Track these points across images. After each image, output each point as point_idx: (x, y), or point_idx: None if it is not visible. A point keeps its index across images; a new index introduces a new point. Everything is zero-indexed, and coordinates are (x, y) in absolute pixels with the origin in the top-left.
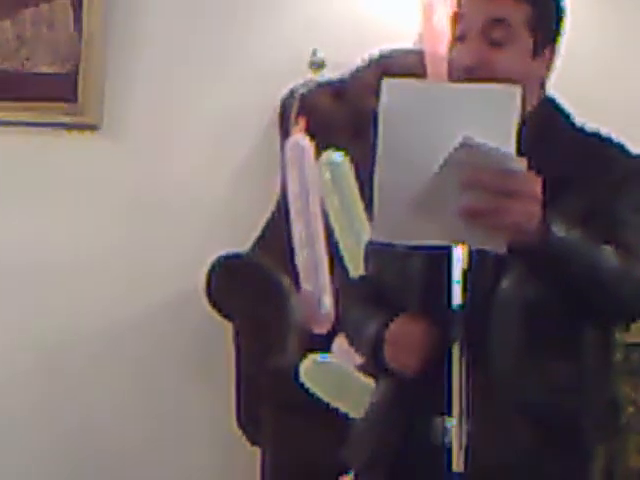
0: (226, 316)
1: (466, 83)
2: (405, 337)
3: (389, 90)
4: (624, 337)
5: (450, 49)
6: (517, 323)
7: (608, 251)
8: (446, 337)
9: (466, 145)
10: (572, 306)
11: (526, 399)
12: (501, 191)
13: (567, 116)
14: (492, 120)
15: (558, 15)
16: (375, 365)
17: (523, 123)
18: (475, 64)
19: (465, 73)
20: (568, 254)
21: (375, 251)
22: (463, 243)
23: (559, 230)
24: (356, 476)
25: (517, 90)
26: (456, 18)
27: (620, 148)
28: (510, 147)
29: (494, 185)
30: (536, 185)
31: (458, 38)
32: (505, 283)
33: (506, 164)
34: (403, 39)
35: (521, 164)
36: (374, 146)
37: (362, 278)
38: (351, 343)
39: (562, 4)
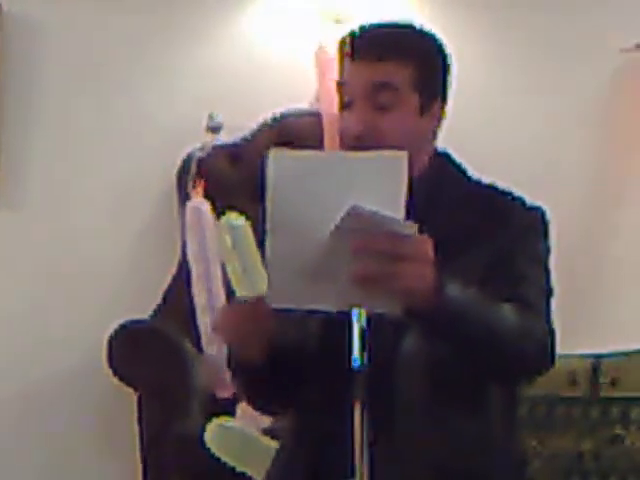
0: (129, 384)
1: (356, 151)
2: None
3: (276, 161)
4: (528, 390)
5: (340, 117)
6: (420, 383)
7: (506, 309)
8: (348, 398)
9: (355, 211)
10: (473, 365)
11: (432, 462)
12: (392, 255)
13: (461, 170)
14: (380, 187)
15: (444, 70)
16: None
17: (417, 181)
18: (362, 132)
19: (354, 141)
20: (463, 314)
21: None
22: (358, 307)
23: (455, 290)
24: None
25: (403, 155)
26: (340, 86)
27: (517, 200)
28: (399, 212)
29: (384, 250)
30: (427, 247)
31: (345, 105)
32: (407, 341)
33: (395, 229)
34: (300, 100)
35: (411, 228)
36: (264, 213)
37: None
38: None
39: (447, 58)
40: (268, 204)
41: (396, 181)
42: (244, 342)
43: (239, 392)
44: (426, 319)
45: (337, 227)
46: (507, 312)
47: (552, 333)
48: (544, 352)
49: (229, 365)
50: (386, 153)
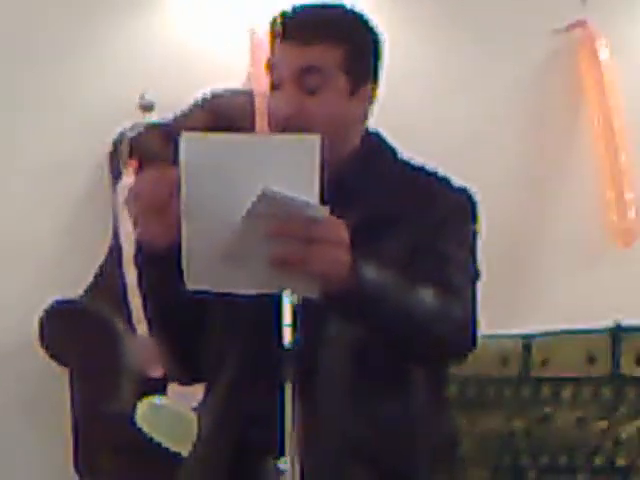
0: (60, 361)
1: (284, 133)
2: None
3: (187, 145)
4: (459, 370)
5: (269, 98)
6: (343, 363)
7: (424, 292)
8: (277, 377)
9: (266, 196)
10: (391, 348)
11: (357, 439)
12: (304, 239)
13: (392, 151)
14: (293, 170)
15: (375, 51)
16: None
17: (347, 162)
18: (290, 114)
19: (283, 123)
20: (379, 298)
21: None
22: (276, 290)
23: (371, 273)
24: None
25: (315, 139)
26: (270, 66)
27: (445, 182)
28: (312, 196)
29: (297, 234)
30: (340, 230)
31: (274, 87)
32: (332, 322)
33: (307, 212)
34: (232, 79)
35: (323, 211)
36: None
37: None
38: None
39: (378, 39)
40: (182, 185)
41: (309, 164)
42: (151, 214)
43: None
44: (342, 302)
45: (249, 211)
46: (425, 295)
47: (474, 316)
48: (463, 335)
49: (139, 267)
50: (299, 136)
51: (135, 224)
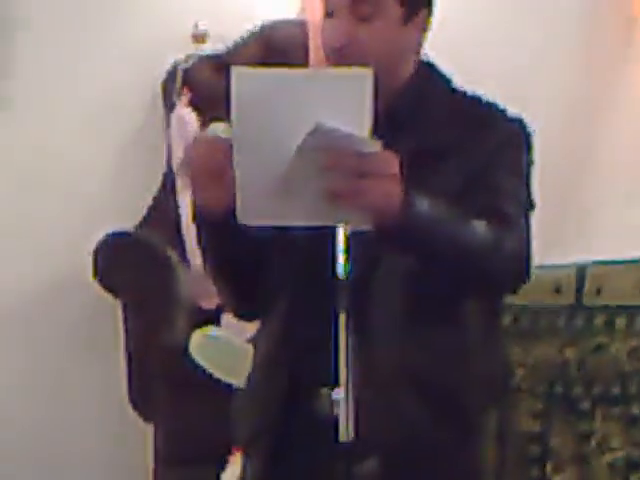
0: (114, 293)
1: (338, 62)
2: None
3: (238, 79)
4: (513, 299)
5: (322, 27)
6: (397, 293)
7: (477, 224)
8: (332, 306)
9: (319, 130)
10: (445, 280)
11: (409, 368)
12: (356, 173)
13: (446, 80)
14: (345, 104)
15: None
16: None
17: (401, 92)
18: (344, 43)
19: (336, 53)
20: (432, 230)
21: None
22: (328, 223)
23: (423, 205)
24: (244, 450)
25: (368, 73)
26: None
27: (498, 112)
28: (364, 130)
29: (350, 167)
30: (392, 164)
31: (327, 14)
32: (385, 253)
33: (360, 146)
34: (285, 9)
35: (375, 145)
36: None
37: None
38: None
39: None
40: (234, 120)
41: (361, 98)
42: (207, 180)
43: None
44: (394, 234)
45: (302, 145)
46: (478, 227)
47: (528, 246)
48: (518, 266)
49: (197, 227)
50: (351, 70)
51: (191, 189)
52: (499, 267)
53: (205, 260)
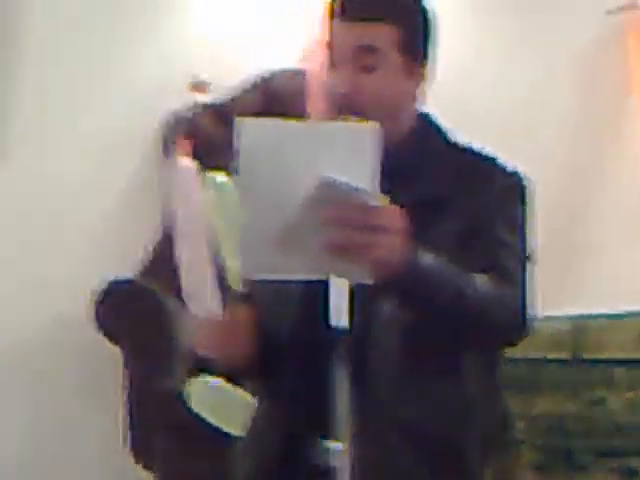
0: (114, 341)
1: (342, 111)
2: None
3: (245, 130)
4: (512, 352)
5: (326, 76)
6: (397, 344)
7: (478, 278)
8: (328, 357)
9: (326, 183)
10: (445, 333)
11: (407, 421)
12: (363, 227)
13: (442, 132)
14: (351, 157)
15: (429, 31)
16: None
17: (400, 143)
18: (348, 91)
19: (340, 101)
20: (435, 284)
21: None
22: (329, 276)
23: (427, 259)
24: None
25: (375, 127)
26: (328, 45)
27: (495, 164)
28: (370, 183)
29: (355, 221)
30: (397, 218)
31: (332, 64)
32: (384, 305)
33: (367, 200)
34: (286, 59)
35: (382, 200)
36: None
37: None
38: None
39: (432, 19)
40: (239, 170)
41: (368, 152)
42: (227, 355)
43: None
44: (397, 288)
45: (308, 198)
46: (480, 282)
47: (527, 301)
48: (517, 321)
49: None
50: (358, 124)
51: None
52: (499, 321)
53: None
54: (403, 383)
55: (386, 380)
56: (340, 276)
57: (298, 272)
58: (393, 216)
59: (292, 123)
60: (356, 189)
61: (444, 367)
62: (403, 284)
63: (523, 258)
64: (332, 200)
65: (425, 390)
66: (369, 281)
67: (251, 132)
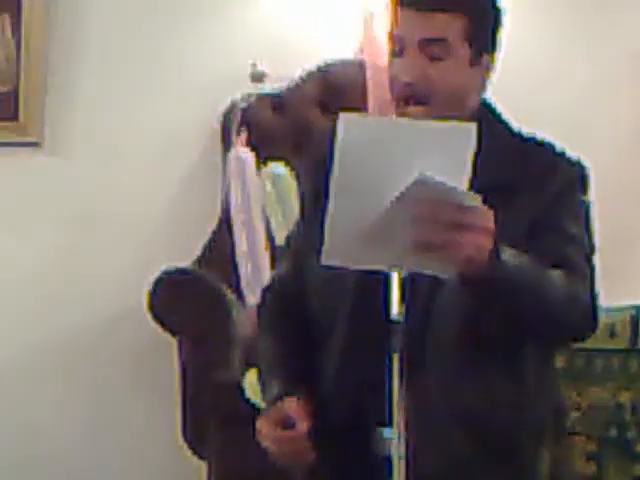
0: (171, 331)
1: (406, 98)
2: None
3: (345, 125)
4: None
5: (390, 65)
6: (454, 334)
7: (555, 275)
8: (385, 348)
9: (422, 181)
10: (520, 329)
11: (464, 410)
12: (455, 225)
13: (505, 122)
14: (447, 156)
15: (495, 22)
16: None
17: None
18: (414, 80)
19: (405, 88)
20: (516, 282)
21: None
22: (412, 269)
23: (510, 257)
24: None
25: (473, 127)
26: (392, 34)
27: (558, 154)
28: (462, 182)
29: (449, 219)
30: (489, 219)
31: (397, 54)
32: (444, 292)
33: (461, 200)
34: (342, 50)
35: (475, 200)
36: (326, 177)
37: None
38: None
39: (499, 9)
40: (335, 167)
41: (464, 152)
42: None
43: None
44: (479, 284)
45: (402, 194)
46: (556, 278)
47: (596, 296)
48: (589, 317)
49: None
50: (458, 124)
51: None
52: (574, 318)
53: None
54: (461, 371)
55: (443, 368)
56: (421, 270)
57: (379, 263)
58: (485, 216)
59: (392, 120)
60: (452, 188)
61: (503, 355)
62: (486, 281)
63: (589, 251)
64: (427, 197)
65: (483, 378)
66: (448, 276)
67: (350, 127)
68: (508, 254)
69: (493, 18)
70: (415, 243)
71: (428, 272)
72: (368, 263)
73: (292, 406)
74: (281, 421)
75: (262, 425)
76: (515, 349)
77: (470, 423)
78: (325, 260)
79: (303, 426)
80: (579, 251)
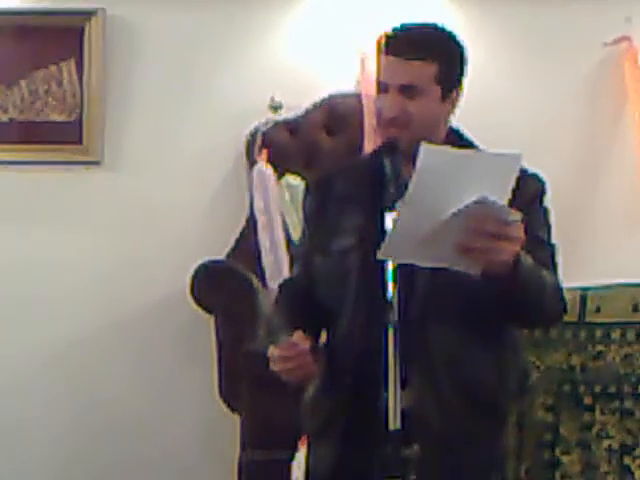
0: (208, 311)
1: (389, 129)
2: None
3: (425, 153)
4: None
5: (377, 99)
6: (452, 314)
7: (545, 273)
8: (382, 323)
9: (482, 200)
10: (519, 316)
11: (457, 379)
12: (499, 236)
13: (470, 143)
14: (496, 178)
15: (462, 63)
16: None
17: None
18: (395, 115)
19: (388, 122)
20: (530, 281)
21: (321, 255)
22: (447, 266)
23: (526, 260)
24: (312, 437)
25: (520, 155)
26: (378, 80)
27: (522, 170)
28: (504, 198)
29: (496, 231)
30: (522, 231)
31: (381, 91)
32: (436, 278)
33: (506, 216)
34: (344, 84)
35: (517, 215)
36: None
37: (290, 280)
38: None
39: (465, 53)
40: (412, 184)
41: (510, 175)
42: (299, 376)
43: None
44: (502, 281)
45: (460, 210)
46: (547, 275)
47: (562, 287)
48: (564, 305)
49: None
50: (507, 152)
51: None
52: (556, 307)
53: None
54: (454, 345)
55: (439, 342)
56: (458, 268)
57: (428, 261)
58: (520, 230)
59: (461, 151)
60: (502, 206)
61: (490, 334)
62: (511, 280)
63: (553, 250)
64: (482, 213)
65: (471, 351)
66: (476, 273)
67: (429, 155)
68: (525, 257)
69: (459, 60)
70: (462, 248)
71: (459, 269)
72: (419, 260)
73: (298, 335)
74: (289, 346)
75: (272, 351)
76: (499, 327)
77: (462, 388)
78: (381, 255)
79: (306, 344)
80: (549, 252)
